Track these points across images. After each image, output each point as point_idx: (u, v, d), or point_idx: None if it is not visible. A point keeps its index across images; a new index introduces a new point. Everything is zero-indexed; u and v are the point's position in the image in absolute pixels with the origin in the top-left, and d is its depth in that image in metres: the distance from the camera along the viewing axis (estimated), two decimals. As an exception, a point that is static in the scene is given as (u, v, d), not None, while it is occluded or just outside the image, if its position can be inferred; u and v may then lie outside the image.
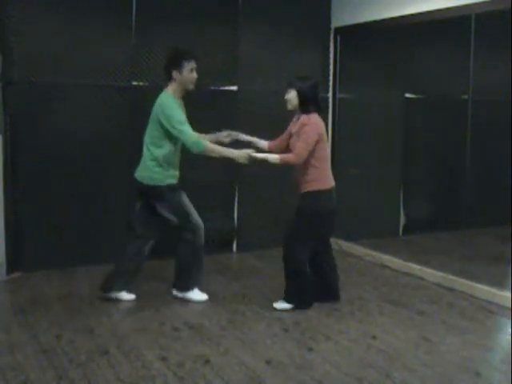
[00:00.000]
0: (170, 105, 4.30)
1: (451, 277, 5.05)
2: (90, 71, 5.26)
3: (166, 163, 4.38)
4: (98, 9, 5.25)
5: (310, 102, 4.25)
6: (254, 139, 4.57)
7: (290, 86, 4.28)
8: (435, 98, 6.73)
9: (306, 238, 4.31)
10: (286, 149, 4.38)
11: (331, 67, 6.38)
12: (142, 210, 4.54)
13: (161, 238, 5.68)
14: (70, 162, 5.28)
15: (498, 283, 4.77)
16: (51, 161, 5.21)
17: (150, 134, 4.38)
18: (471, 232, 6.45)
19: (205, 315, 4.24)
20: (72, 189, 5.31)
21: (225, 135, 4.58)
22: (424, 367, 3.47)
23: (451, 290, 4.95)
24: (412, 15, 5.34)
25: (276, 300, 4.43)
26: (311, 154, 4.20)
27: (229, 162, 4.40)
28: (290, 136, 4.37)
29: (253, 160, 4.25)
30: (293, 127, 4.36)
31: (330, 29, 6.34)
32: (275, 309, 4.35)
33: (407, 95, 6.60)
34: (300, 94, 4.24)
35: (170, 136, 4.32)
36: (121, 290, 4.53)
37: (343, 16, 6.18)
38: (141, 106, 5.50)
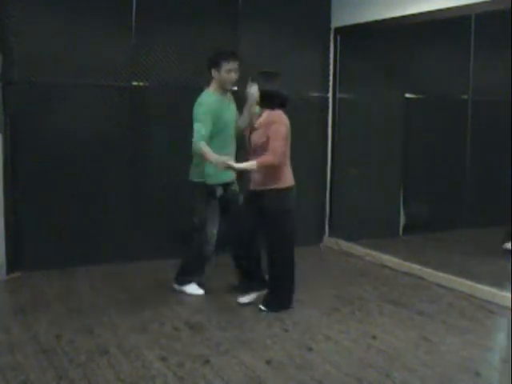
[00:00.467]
0: (199, 102, 4.44)
1: (451, 277, 5.05)
2: (90, 71, 5.26)
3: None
4: (97, 9, 5.25)
5: (272, 98, 4.21)
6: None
7: (252, 80, 4.29)
8: (435, 98, 6.73)
9: (288, 237, 4.31)
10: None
11: (331, 67, 6.38)
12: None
13: (161, 239, 5.72)
14: (70, 161, 5.28)
15: (498, 283, 4.77)
16: (51, 161, 5.21)
17: None
18: (471, 232, 6.45)
19: (205, 315, 4.24)
20: (72, 189, 5.31)
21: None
22: (424, 367, 3.47)
23: (451, 290, 4.95)
24: (412, 15, 5.34)
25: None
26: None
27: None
28: (252, 130, 4.32)
29: (230, 168, 4.20)
30: (255, 121, 4.33)
31: (330, 29, 6.34)
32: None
33: (407, 95, 6.60)
34: (261, 89, 4.23)
35: (212, 134, 4.39)
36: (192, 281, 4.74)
37: (343, 16, 6.18)
38: (141, 106, 5.52)
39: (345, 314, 4.35)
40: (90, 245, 5.41)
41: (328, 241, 6.49)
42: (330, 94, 6.41)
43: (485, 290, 4.73)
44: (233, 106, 4.62)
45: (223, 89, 4.50)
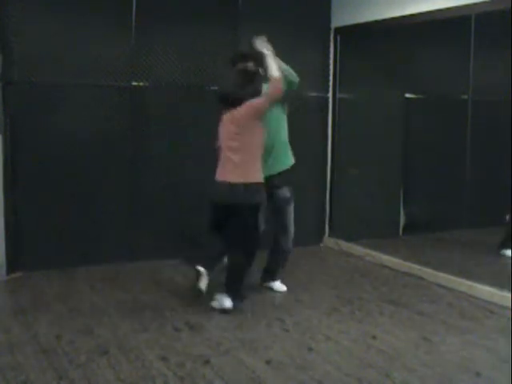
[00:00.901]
0: None
1: (451, 277, 5.05)
2: (90, 71, 5.26)
3: None
4: (97, 9, 5.25)
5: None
6: None
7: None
8: (435, 98, 6.73)
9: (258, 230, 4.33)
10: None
11: (331, 67, 6.38)
12: None
13: (161, 239, 5.72)
14: (70, 161, 5.28)
15: (498, 283, 4.77)
16: (51, 161, 5.21)
17: None
18: (471, 232, 6.45)
19: (205, 315, 4.24)
20: (72, 189, 5.31)
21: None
22: (424, 367, 3.47)
23: (451, 290, 4.95)
24: (412, 15, 5.34)
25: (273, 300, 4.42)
26: (258, 142, 4.21)
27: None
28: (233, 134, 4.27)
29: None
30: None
31: (329, 29, 6.34)
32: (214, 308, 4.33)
33: (407, 95, 6.60)
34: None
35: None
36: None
37: (343, 16, 6.18)
38: (141, 106, 5.52)
39: (345, 314, 4.35)
40: (89, 245, 5.41)
41: (328, 241, 6.49)
42: (330, 94, 6.40)
43: (485, 290, 4.73)
44: None
45: None
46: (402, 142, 6.68)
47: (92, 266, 5.33)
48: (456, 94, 6.56)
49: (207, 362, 3.49)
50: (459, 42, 6.10)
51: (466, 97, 6.20)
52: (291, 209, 4.59)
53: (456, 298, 4.75)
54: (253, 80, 4.28)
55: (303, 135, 5.85)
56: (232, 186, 4.16)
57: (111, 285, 4.92)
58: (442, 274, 5.14)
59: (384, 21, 5.65)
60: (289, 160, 4.60)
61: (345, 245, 6.24)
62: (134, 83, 5.46)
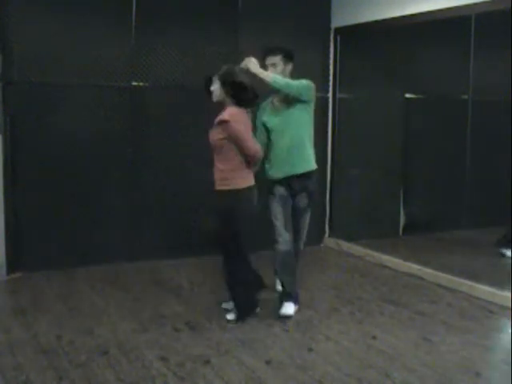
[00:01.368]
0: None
1: (451, 277, 5.05)
2: (90, 71, 5.26)
3: None
4: (97, 9, 5.25)
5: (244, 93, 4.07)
6: None
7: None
8: (435, 98, 6.73)
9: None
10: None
11: (331, 67, 6.38)
12: None
13: (160, 239, 5.72)
14: (70, 161, 5.28)
15: (498, 283, 4.77)
16: (51, 161, 5.21)
17: None
18: (471, 232, 6.46)
19: (205, 315, 4.24)
20: (72, 189, 5.31)
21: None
22: (424, 367, 3.47)
23: (451, 290, 4.95)
24: (412, 15, 5.34)
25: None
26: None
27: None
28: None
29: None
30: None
31: (330, 29, 6.34)
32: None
33: (407, 95, 6.60)
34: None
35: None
36: None
37: (343, 16, 6.18)
38: (141, 106, 5.52)
39: (345, 314, 4.35)
40: (90, 245, 5.41)
41: (328, 241, 6.49)
42: (330, 94, 6.40)
43: (485, 290, 4.73)
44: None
45: None
46: (401, 141, 6.68)
47: (92, 266, 5.34)
48: (456, 94, 6.57)
49: (207, 361, 3.49)
50: (459, 42, 6.11)
51: (466, 97, 6.22)
52: (307, 216, 4.44)
53: (456, 298, 4.75)
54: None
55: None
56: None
57: (111, 285, 4.92)
58: (441, 274, 5.14)
59: (384, 21, 5.65)
60: (307, 164, 4.32)
61: (345, 245, 6.24)
62: (134, 83, 5.46)
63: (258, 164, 4.18)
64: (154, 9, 5.46)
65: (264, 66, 4.23)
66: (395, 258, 5.67)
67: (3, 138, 4.92)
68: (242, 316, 4.13)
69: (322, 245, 6.48)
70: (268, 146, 4.33)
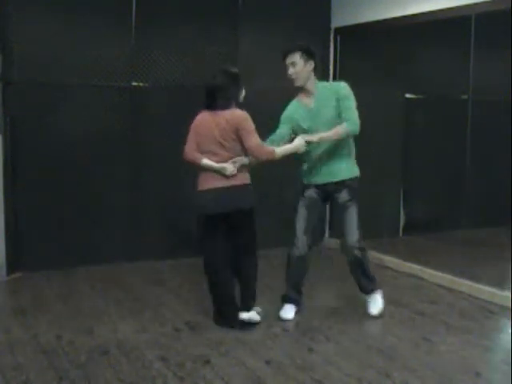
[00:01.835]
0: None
1: (451, 277, 5.06)
2: (90, 71, 5.26)
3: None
4: (97, 9, 5.25)
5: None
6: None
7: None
8: (435, 98, 6.72)
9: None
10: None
11: (331, 67, 6.38)
12: None
13: (161, 239, 5.72)
14: (70, 161, 5.28)
15: (498, 283, 4.77)
16: (51, 161, 5.21)
17: None
18: (471, 232, 6.45)
19: (205, 315, 4.24)
20: (72, 189, 5.31)
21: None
22: (424, 367, 3.47)
23: (451, 290, 4.95)
24: (412, 15, 5.34)
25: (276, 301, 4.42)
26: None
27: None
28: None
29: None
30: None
31: (330, 29, 6.35)
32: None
33: (407, 95, 6.59)
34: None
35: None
36: None
37: (343, 16, 6.18)
38: (141, 106, 5.53)
39: (345, 314, 4.35)
40: (89, 245, 5.41)
41: (328, 241, 6.49)
42: (330, 94, 6.40)
43: (485, 290, 4.73)
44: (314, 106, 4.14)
45: (297, 87, 4.19)
46: (402, 141, 6.67)
47: (92, 266, 5.34)
48: (456, 94, 6.56)
49: (207, 361, 3.49)
50: (459, 42, 6.09)
51: (465, 97, 6.20)
52: (352, 211, 4.17)
53: (456, 298, 4.75)
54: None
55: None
56: None
57: (111, 285, 4.92)
58: (441, 274, 5.14)
59: (384, 21, 5.66)
60: (349, 171, 4.19)
61: (345, 245, 6.23)
62: (134, 83, 5.46)
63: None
64: (154, 9, 5.46)
65: (285, 67, 4.12)
66: (395, 258, 5.67)
67: (3, 138, 4.92)
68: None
69: (322, 245, 6.48)
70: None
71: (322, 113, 4.09)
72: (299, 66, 4.09)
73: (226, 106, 3.87)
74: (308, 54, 4.13)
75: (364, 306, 4.51)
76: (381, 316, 4.30)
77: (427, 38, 6.20)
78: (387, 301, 4.63)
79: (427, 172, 6.78)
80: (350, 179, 4.18)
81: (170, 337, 3.86)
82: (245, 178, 3.91)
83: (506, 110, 6.22)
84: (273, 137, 4.15)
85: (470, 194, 5.99)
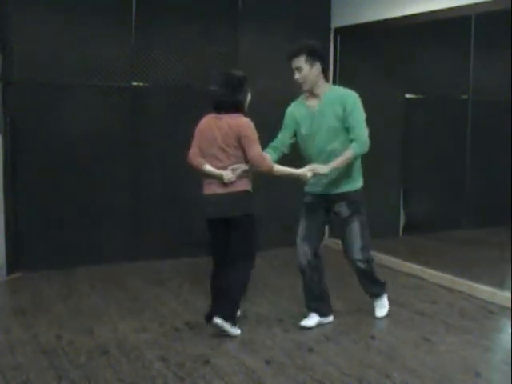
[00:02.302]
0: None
1: (451, 277, 5.05)
2: (90, 71, 5.27)
3: None
4: (97, 9, 5.25)
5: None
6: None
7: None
8: (435, 98, 6.73)
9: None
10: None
11: (331, 67, 6.38)
12: None
13: (160, 239, 5.72)
14: (70, 162, 5.28)
15: (498, 283, 4.77)
16: (51, 161, 5.21)
17: None
18: (471, 232, 6.45)
19: (205, 315, 4.23)
20: (72, 189, 5.31)
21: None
22: (424, 367, 3.47)
23: (451, 290, 4.95)
24: (412, 15, 5.34)
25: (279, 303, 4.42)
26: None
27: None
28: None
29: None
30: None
31: (329, 29, 6.35)
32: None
33: (407, 95, 6.60)
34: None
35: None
36: None
37: (343, 16, 6.18)
38: (141, 106, 5.53)
39: (345, 314, 4.35)
40: (89, 245, 5.41)
41: (328, 241, 6.48)
42: (330, 94, 6.40)
43: (485, 290, 4.73)
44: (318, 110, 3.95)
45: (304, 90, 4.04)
46: (401, 141, 6.68)
47: (92, 266, 5.34)
48: (456, 94, 6.57)
49: (207, 362, 3.49)
50: (459, 42, 6.10)
51: (465, 97, 6.21)
52: (354, 226, 4.06)
53: (456, 298, 4.75)
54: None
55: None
56: None
57: (111, 285, 4.92)
58: (441, 274, 5.14)
59: (384, 21, 5.66)
60: (351, 184, 4.01)
61: (345, 245, 6.23)
62: (134, 83, 5.46)
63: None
64: (154, 9, 5.47)
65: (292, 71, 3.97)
66: (395, 258, 5.67)
67: (3, 138, 4.92)
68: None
69: (322, 245, 6.46)
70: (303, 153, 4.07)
71: (324, 119, 3.90)
72: (305, 71, 3.90)
73: (230, 110, 3.84)
74: (314, 56, 3.93)
75: (364, 306, 4.51)
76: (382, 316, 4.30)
77: (427, 38, 6.21)
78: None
79: (427, 172, 6.79)
80: (350, 192, 3.99)
81: (170, 337, 3.86)
82: (245, 185, 3.87)
83: (506, 110, 6.23)
84: (274, 143, 4.09)
85: (470, 194, 6.00)
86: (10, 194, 5.02)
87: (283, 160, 4.06)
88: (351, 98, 3.90)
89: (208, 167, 3.86)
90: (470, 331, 4.04)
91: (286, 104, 4.27)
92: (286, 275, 5.25)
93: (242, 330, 3.96)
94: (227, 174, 3.80)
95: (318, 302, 4.14)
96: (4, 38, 4.92)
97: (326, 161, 3.89)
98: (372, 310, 4.41)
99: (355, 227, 4.02)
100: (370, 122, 5.89)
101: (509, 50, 5.77)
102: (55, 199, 5.26)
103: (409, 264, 5.49)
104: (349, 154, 3.84)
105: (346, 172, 3.95)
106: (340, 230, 4.15)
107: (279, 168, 3.87)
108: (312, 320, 4.09)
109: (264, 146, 4.00)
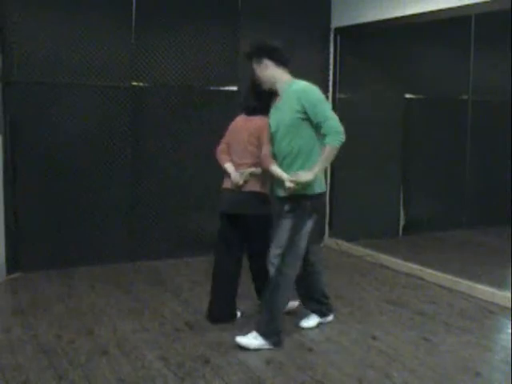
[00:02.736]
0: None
1: (451, 277, 5.06)
2: (90, 71, 5.26)
3: None
4: (97, 9, 5.24)
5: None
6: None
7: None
8: (435, 98, 6.73)
9: None
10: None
11: (331, 67, 6.38)
12: None
13: (160, 239, 5.72)
14: (70, 162, 5.28)
15: (498, 283, 4.77)
16: (51, 161, 5.21)
17: None
18: (471, 232, 6.45)
19: (205, 315, 4.24)
20: (72, 189, 5.31)
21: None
22: (424, 367, 3.47)
23: (451, 290, 4.95)
24: (412, 15, 5.34)
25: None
26: None
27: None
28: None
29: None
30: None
31: (329, 29, 6.35)
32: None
33: (407, 95, 6.60)
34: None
35: None
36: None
37: (343, 16, 6.18)
38: (141, 106, 5.52)
39: (345, 314, 4.35)
40: (89, 245, 5.41)
41: (328, 241, 6.49)
42: (330, 94, 6.41)
43: (485, 290, 4.73)
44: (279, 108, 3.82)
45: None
46: (401, 141, 6.68)
47: (92, 266, 5.34)
48: (456, 94, 6.57)
49: (207, 362, 3.49)
50: (459, 42, 6.10)
51: (465, 97, 6.21)
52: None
53: (456, 298, 4.75)
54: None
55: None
56: None
57: (111, 285, 4.92)
58: (441, 274, 5.14)
59: (384, 21, 5.66)
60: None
61: (345, 245, 6.24)
62: (134, 83, 5.46)
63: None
64: (154, 9, 5.46)
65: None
66: (395, 258, 5.67)
67: (3, 138, 4.92)
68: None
69: (321, 245, 6.48)
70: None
71: (283, 116, 3.73)
72: (257, 71, 3.81)
73: (257, 113, 3.98)
74: (259, 55, 3.77)
75: (364, 306, 4.51)
76: (382, 314, 4.31)
77: (427, 37, 6.21)
78: (387, 301, 4.64)
79: (427, 172, 6.79)
80: (299, 195, 3.70)
81: (170, 337, 3.86)
82: (254, 186, 3.95)
83: (505, 110, 6.23)
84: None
85: (469, 194, 6.00)
86: (9, 194, 5.02)
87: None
88: (308, 94, 3.68)
89: (227, 165, 4.05)
90: (470, 331, 4.04)
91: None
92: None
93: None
94: (235, 177, 3.96)
95: (318, 303, 4.13)
96: (4, 37, 4.92)
97: (286, 160, 3.74)
98: (373, 310, 4.42)
99: (286, 227, 3.80)
100: (370, 121, 5.92)
101: (509, 50, 5.77)
102: (55, 199, 5.26)
103: (409, 264, 5.49)
104: (327, 150, 3.63)
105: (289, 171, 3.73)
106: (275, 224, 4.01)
107: (274, 169, 3.84)
108: (308, 321, 4.10)
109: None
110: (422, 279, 5.25)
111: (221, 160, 4.10)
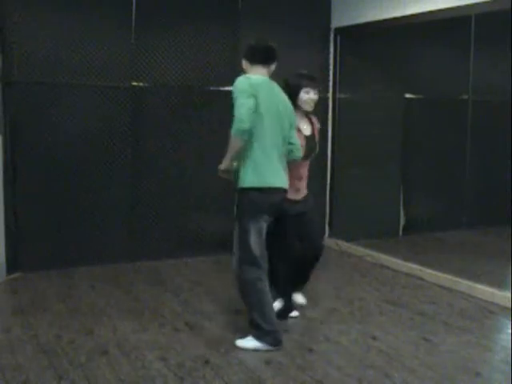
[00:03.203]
0: None
1: (451, 277, 5.06)
2: (90, 71, 5.26)
3: None
4: (97, 9, 5.25)
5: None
6: None
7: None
8: (435, 98, 6.73)
9: None
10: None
11: (331, 67, 6.38)
12: None
13: (161, 239, 5.72)
14: (70, 162, 5.28)
15: (498, 283, 4.77)
16: (51, 161, 5.21)
17: None
18: (471, 232, 6.46)
19: (205, 315, 4.24)
20: (72, 189, 5.30)
21: None
22: (424, 367, 3.47)
23: (451, 290, 4.95)
24: (412, 15, 5.34)
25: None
26: None
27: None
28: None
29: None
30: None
31: (329, 29, 6.35)
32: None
33: (407, 95, 6.60)
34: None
35: None
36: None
37: (343, 16, 6.18)
38: (141, 106, 5.52)
39: (345, 314, 4.35)
40: (89, 245, 5.41)
41: (328, 241, 6.49)
42: (330, 94, 6.41)
43: (485, 290, 4.73)
44: None
45: None
46: (401, 141, 6.68)
47: (92, 266, 5.34)
48: (456, 94, 6.57)
49: (207, 362, 3.49)
50: (459, 42, 6.10)
51: (466, 97, 6.21)
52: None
53: (456, 298, 4.75)
54: None
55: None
56: None
57: (111, 285, 4.92)
58: (441, 274, 5.14)
59: (384, 21, 5.66)
60: (237, 180, 3.69)
61: (345, 245, 6.24)
62: (134, 83, 5.46)
63: None
64: (154, 9, 5.46)
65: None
66: (395, 258, 5.67)
67: (3, 138, 4.92)
68: None
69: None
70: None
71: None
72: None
73: None
74: (244, 56, 3.87)
75: (364, 306, 4.51)
76: (382, 315, 4.31)
77: (427, 38, 6.21)
78: (387, 301, 4.64)
79: (427, 172, 6.79)
80: (238, 190, 3.67)
81: (170, 337, 3.86)
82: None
83: (505, 110, 6.23)
84: None
85: (469, 194, 6.00)
86: (9, 194, 5.02)
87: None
88: (234, 88, 3.62)
89: None
90: (470, 331, 4.05)
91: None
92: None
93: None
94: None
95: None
96: (4, 38, 4.92)
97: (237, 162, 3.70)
98: (373, 310, 4.42)
99: (236, 231, 3.72)
100: (370, 121, 5.92)
101: (509, 50, 5.77)
102: (55, 199, 5.26)
103: (409, 264, 5.49)
104: (230, 139, 3.57)
105: (241, 167, 3.65)
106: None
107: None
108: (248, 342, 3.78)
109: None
110: (421, 279, 5.25)
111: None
